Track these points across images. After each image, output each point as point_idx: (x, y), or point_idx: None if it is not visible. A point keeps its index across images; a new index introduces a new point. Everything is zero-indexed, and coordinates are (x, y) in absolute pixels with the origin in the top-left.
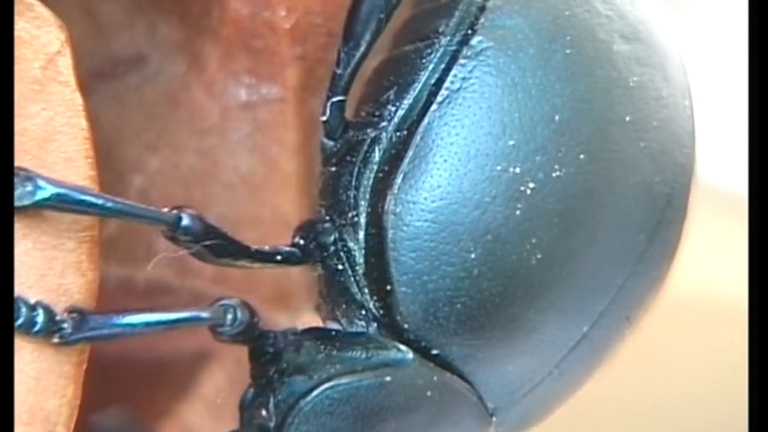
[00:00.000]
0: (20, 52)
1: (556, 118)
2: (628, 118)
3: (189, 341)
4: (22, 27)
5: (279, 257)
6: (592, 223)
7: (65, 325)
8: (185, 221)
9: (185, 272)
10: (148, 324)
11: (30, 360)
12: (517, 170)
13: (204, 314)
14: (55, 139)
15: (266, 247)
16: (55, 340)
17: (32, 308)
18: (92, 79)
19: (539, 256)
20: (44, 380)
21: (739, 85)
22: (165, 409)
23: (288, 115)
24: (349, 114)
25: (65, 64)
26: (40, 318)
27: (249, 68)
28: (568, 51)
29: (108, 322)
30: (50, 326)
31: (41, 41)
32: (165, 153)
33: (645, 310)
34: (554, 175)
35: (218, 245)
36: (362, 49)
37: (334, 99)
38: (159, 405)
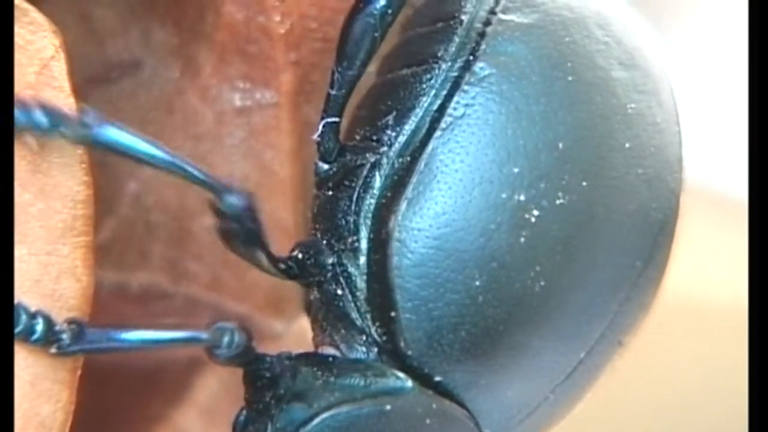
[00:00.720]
0: (15, 57)
1: (560, 145)
2: (627, 145)
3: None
4: (16, 32)
5: (281, 265)
6: (593, 250)
7: (63, 336)
8: (233, 199)
9: (180, 278)
10: (145, 341)
11: (25, 365)
12: (522, 197)
13: (202, 336)
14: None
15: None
16: (53, 350)
17: (32, 316)
18: (87, 84)
19: (543, 283)
20: (39, 386)
21: (739, 89)
22: (159, 414)
23: (282, 120)
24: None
25: (60, 69)
26: (40, 327)
27: (243, 73)
28: (570, 78)
29: (105, 336)
30: (49, 336)
31: (36, 46)
32: None
33: (634, 334)
34: (558, 202)
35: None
36: (356, 68)
37: (329, 120)
38: (153, 410)
